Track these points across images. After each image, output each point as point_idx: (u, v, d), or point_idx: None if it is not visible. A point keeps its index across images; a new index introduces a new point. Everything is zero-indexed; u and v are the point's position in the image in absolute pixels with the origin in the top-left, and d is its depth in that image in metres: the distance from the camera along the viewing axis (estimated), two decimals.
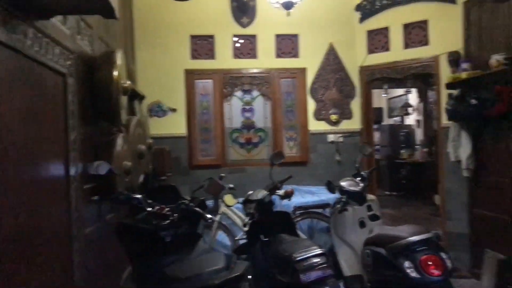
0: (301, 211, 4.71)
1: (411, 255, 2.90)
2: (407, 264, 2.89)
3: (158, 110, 5.59)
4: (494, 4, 4.16)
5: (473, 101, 4.20)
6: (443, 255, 2.89)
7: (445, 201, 5.14)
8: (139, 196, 2.61)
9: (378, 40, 5.64)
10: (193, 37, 5.70)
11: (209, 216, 2.76)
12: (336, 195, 3.97)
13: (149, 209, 2.58)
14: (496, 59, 4.02)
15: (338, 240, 3.98)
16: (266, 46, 5.78)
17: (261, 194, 3.55)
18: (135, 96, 4.47)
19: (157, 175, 4.68)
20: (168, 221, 2.59)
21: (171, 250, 2.60)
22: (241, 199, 3.91)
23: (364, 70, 5.75)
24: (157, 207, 2.60)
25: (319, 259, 2.70)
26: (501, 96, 3.92)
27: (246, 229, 3.52)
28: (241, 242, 4.02)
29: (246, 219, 3.49)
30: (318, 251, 2.74)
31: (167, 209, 2.62)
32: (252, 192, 3.66)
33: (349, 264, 3.85)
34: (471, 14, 4.72)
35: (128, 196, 2.62)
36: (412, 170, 10.82)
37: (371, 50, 5.70)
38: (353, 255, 3.83)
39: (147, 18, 5.55)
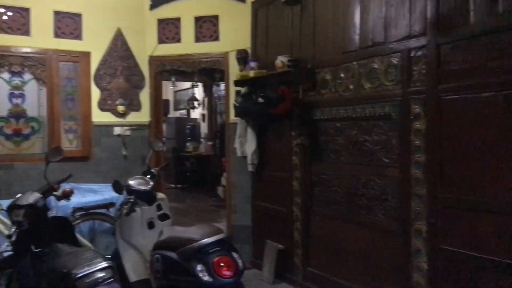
0: (82, 212, 4.19)
1: (203, 258, 2.78)
2: (199, 267, 2.76)
3: None
4: (279, 6, 4.36)
5: (260, 100, 4.34)
6: (235, 255, 2.86)
7: (231, 195, 5.26)
8: None
9: (169, 30, 5.42)
10: None
11: None
12: (124, 195, 3.62)
13: None
14: (281, 60, 4.21)
15: (124, 243, 3.64)
16: (42, 23, 4.99)
17: (32, 197, 2.97)
18: None
19: None
20: None
21: None
22: (5, 203, 3.24)
23: (154, 60, 5.48)
24: None
25: (104, 274, 2.36)
26: (285, 96, 4.14)
27: (13, 239, 2.92)
28: (6, 254, 3.35)
29: (13, 229, 2.86)
30: (103, 264, 2.40)
31: None
32: (20, 195, 3.04)
33: (135, 269, 3.56)
34: (258, 14, 4.91)
35: None
36: (197, 162, 11.10)
37: (162, 40, 5.45)
38: (141, 258, 3.56)
39: None
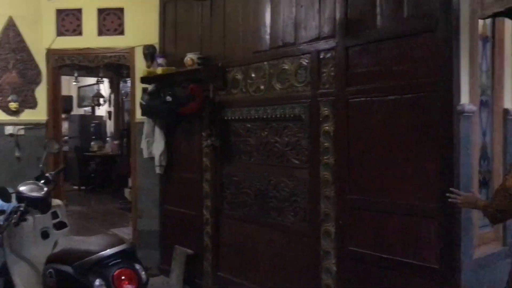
0: None
1: (102, 272, 2.54)
2: (97, 282, 2.52)
3: None
4: (189, 1, 4.20)
5: (168, 98, 4.15)
6: (138, 267, 2.65)
7: (137, 199, 5.00)
8: None
9: (69, 22, 5.02)
10: None
11: None
12: (14, 203, 3.24)
13: None
14: (190, 57, 4.05)
15: (13, 256, 3.27)
16: None
17: None
18: None
19: None
20: None
21: None
22: None
23: (52, 54, 5.04)
24: None
25: None
26: (195, 95, 3.99)
27: None
28: None
29: None
30: None
31: None
32: None
33: (26, 284, 3.21)
34: (167, 8, 4.69)
35: None
36: (102, 163, 10.55)
37: (61, 32, 5.03)
38: (33, 272, 3.22)
39: None
